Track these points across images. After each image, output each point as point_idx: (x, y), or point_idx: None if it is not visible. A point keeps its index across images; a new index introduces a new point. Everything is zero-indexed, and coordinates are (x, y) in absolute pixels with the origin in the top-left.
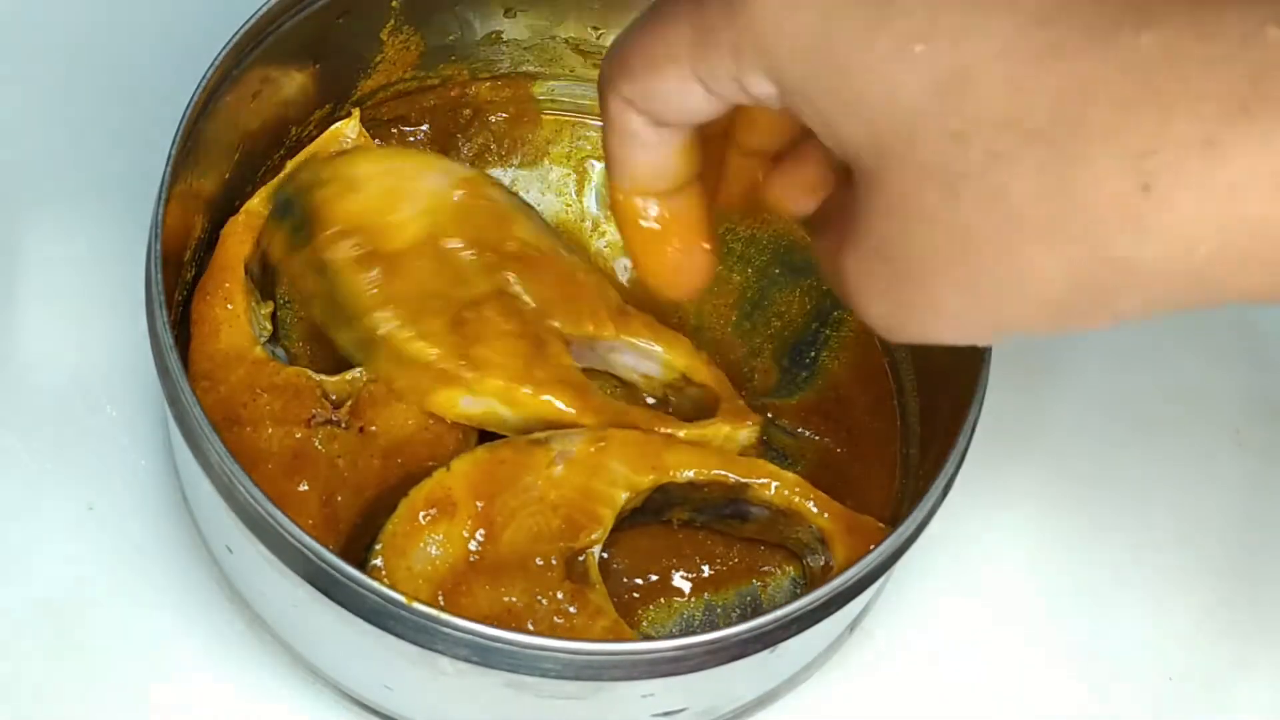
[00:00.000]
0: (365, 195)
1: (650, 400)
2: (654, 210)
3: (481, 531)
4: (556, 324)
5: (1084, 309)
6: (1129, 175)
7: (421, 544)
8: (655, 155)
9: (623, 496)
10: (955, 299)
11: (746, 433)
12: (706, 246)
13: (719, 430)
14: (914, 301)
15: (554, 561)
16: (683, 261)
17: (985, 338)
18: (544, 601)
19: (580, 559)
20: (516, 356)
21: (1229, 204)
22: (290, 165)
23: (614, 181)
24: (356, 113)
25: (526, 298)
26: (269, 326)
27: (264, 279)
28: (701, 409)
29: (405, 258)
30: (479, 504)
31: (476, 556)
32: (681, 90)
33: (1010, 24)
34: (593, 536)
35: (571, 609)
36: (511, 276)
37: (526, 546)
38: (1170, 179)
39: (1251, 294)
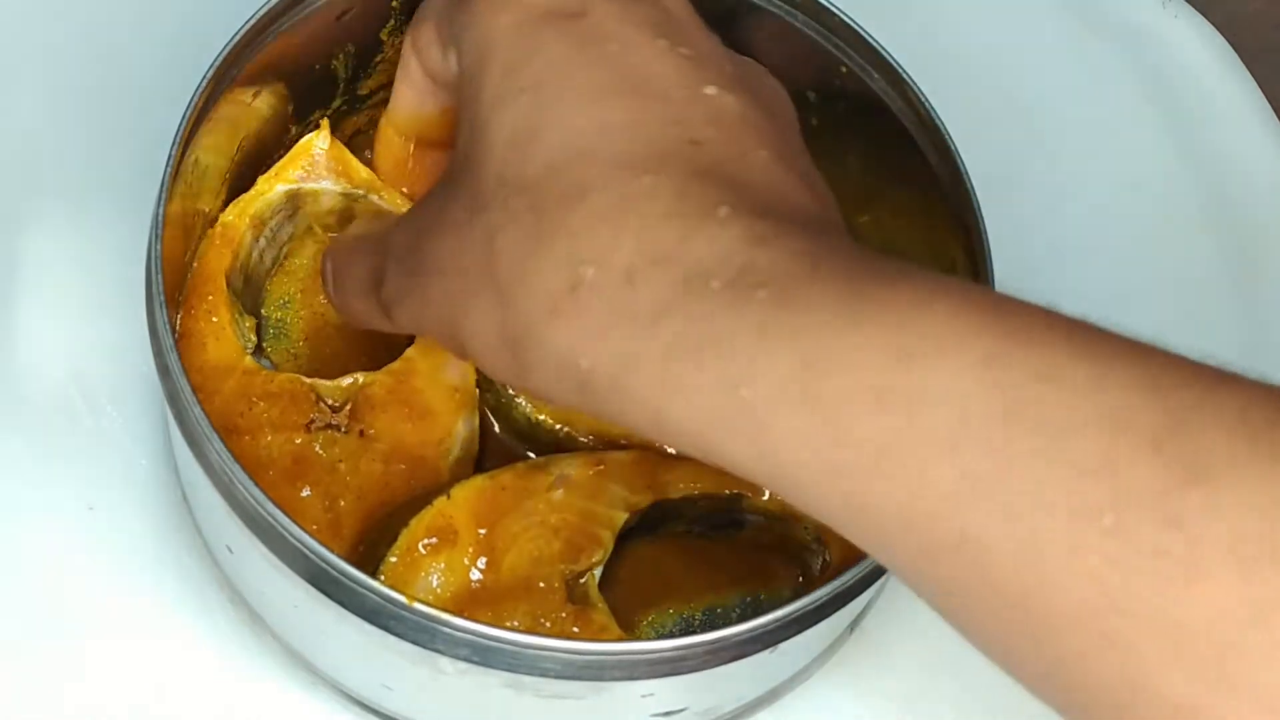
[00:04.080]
0: None
1: None
2: (408, 153)
3: (484, 559)
4: None
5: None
6: (563, 273)
7: (424, 573)
8: (419, 98)
9: (622, 518)
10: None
11: None
12: None
13: None
14: (412, 296)
15: (556, 584)
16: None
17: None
18: (547, 624)
19: (580, 580)
20: None
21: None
22: (261, 181)
23: (386, 112)
24: (325, 123)
25: None
26: (253, 338)
27: (246, 292)
28: None
29: None
30: (481, 531)
31: (479, 583)
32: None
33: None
34: (593, 559)
35: (575, 629)
36: None
37: (528, 570)
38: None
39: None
